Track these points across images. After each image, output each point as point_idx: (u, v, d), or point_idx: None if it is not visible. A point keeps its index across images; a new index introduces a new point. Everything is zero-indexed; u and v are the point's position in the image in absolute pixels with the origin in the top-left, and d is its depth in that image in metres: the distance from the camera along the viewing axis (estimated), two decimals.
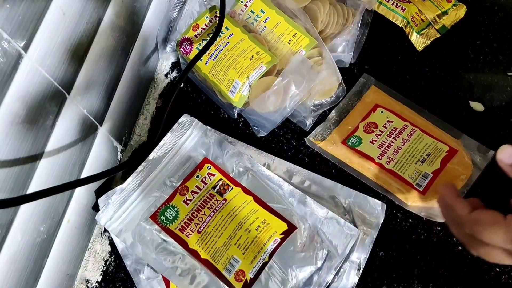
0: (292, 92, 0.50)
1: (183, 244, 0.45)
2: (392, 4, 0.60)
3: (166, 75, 0.59)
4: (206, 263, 0.44)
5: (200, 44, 0.54)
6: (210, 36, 0.53)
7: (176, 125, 0.51)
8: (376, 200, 0.47)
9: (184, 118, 0.51)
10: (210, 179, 0.48)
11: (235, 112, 0.54)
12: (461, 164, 0.49)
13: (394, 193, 0.49)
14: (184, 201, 0.47)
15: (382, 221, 0.47)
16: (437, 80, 0.57)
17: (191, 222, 0.46)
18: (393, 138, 0.51)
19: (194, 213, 0.46)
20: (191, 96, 0.57)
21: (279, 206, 0.46)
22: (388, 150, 0.50)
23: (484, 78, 0.57)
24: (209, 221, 0.46)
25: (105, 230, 0.51)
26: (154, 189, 0.48)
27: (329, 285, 0.44)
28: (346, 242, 0.45)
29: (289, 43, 0.53)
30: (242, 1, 0.56)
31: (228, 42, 0.53)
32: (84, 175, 0.46)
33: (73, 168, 0.45)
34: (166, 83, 0.59)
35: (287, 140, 0.54)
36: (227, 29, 0.54)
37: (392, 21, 0.60)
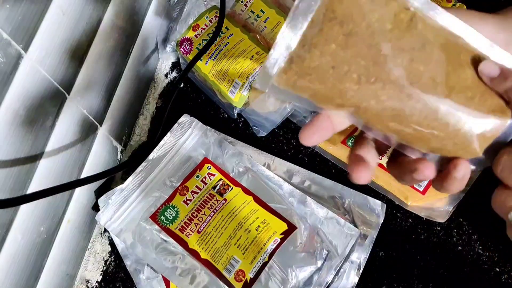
0: None
1: (183, 244, 0.45)
2: None
3: (166, 75, 0.59)
4: (206, 263, 0.44)
5: (200, 44, 0.54)
6: (210, 36, 0.53)
7: (176, 125, 0.51)
8: (376, 200, 0.47)
9: (184, 118, 0.51)
10: (210, 179, 0.48)
11: (235, 112, 0.54)
12: None
13: (394, 193, 0.49)
14: (184, 201, 0.47)
15: (382, 221, 0.47)
16: None
17: (191, 222, 0.46)
18: None
19: (194, 213, 0.46)
20: (191, 96, 0.57)
21: (279, 206, 0.46)
22: (388, 150, 0.50)
23: None
24: (209, 221, 0.46)
25: (105, 230, 0.51)
26: (154, 189, 0.48)
27: (329, 285, 0.44)
28: (346, 242, 0.45)
29: None
30: (242, 1, 0.56)
31: (228, 42, 0.53)
32: (84, 175, 0.46)
33: (73, 168, 0.45)
34: (166, 83, 0.59)
35: (287, 140, 0.54)
36: (227, 29, 0.54)
37: None
